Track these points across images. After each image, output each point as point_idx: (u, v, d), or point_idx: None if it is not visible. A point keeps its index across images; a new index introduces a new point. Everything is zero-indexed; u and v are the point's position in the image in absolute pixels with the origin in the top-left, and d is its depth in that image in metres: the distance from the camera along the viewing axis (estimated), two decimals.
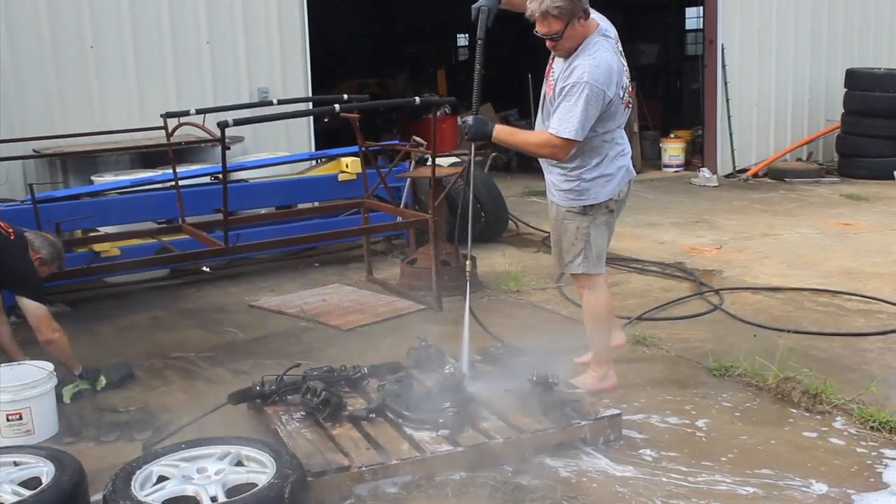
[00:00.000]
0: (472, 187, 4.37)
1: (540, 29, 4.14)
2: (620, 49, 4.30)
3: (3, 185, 6.80)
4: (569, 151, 4.21)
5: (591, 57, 4.11)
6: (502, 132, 4.29)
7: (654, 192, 11.19)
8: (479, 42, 4.25)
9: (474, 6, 4.31)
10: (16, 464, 3.51)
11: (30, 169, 7.77)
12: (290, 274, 7.44)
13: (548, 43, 4.19)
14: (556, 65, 4.29)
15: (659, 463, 3.86)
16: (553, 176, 4.45)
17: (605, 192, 4.37)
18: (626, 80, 4.26)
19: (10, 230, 4.76)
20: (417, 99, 5.96)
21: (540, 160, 4.54)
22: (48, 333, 4.64)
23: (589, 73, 4.07)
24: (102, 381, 4.83)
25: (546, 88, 4.33)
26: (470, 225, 4.29)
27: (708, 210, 9.87)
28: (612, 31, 4.28)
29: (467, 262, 4.38)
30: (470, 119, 4.22)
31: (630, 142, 4.58)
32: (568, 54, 4.20)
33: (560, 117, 4.13)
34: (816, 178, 11.77)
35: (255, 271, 7.54)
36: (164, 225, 6.85)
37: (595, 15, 4.27)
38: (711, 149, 12.44)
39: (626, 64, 4.30)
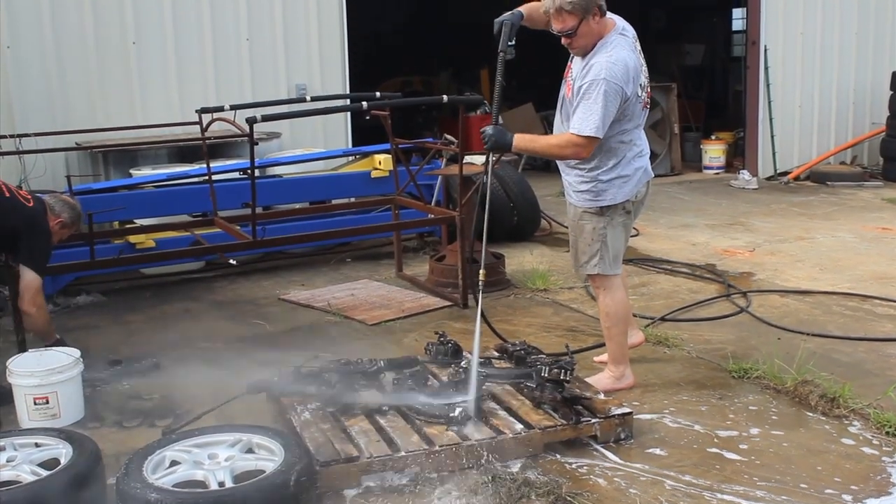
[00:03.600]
0: (489, 191, 4.37)
1: (555, 25, 4.18)
2: (639, 48, 4.32)
3: (42, 176, 6.98)
4: (591, 149, 4.22)
5: (607, 54, 4.14)
6: (522, 140, 4.31)
7: (691, 193, 11.11)
8: (501, 55, 4.29)
9: (497, 20, 4.37)
10: (37, 445, 3.63)
11: (72, 161, 7.95)
12: (321, 269, 7.54)
13: (563, 40, 4.22)
14: (575, 65, 4.32)
15: (669, 463, 3.87)
16: (570, 177, 4.47)
17: (622, 194, 4.38)
18: (643, 79, 4.28)
19: (30, 197, 4.90)
20: (445, 97, 6.02)
21: (557, 161, 4.57)
22: (28, 305, 4.75)
23: (606, 69, 4.09)
24: None
25: (564, 90, 4.36)
26: (486, 233, 4.28)
27: (744, 212, 9.77)
28: (630, 31, 4.30)
29: (481, 272, 4.33)
30: (490, 129, 4.26)
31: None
32: (584, 52, 4.23)
33: (580, 116, 4.15)
34: (859, 182, 11.58)
35: (287, 266, 7.64)
36: (198, 218, 6.98)
37: (612, 16, 4.30)
38: (752, 151, 12.30)
39: (644, 63, 4.32)
